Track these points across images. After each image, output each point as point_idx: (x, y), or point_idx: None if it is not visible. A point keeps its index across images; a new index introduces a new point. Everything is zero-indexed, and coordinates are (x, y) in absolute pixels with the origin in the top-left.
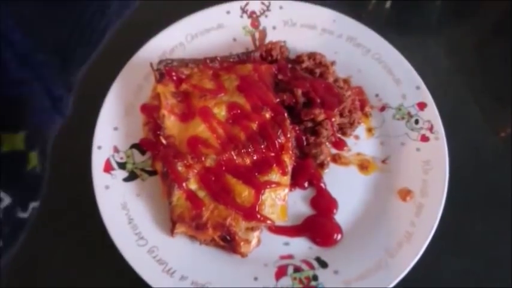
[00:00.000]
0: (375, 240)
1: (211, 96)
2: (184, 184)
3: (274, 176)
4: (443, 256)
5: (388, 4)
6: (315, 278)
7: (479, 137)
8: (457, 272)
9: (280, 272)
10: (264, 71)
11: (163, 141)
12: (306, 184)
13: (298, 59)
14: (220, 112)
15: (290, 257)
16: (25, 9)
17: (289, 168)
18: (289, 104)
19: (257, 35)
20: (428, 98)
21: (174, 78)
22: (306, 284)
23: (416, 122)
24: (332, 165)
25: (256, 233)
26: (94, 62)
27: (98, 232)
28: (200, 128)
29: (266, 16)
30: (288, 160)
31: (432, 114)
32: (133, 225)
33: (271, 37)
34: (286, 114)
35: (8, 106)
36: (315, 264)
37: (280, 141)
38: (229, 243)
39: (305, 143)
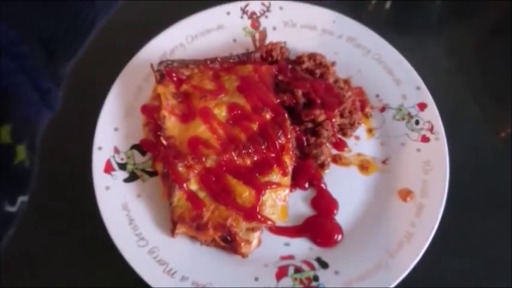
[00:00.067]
0: (376, 241)
1: (212, 97)
2: (184, 185)
3: (275, 176)
4: (444, 256)
5: (388, 4)
6: (316, 278)
7: (480, 137)
8: (457, 272)
9: (281, 273)
10: (265, 72)
11: (164, 142)
12: (306, 185)
13: (299, 60)
14: (221, 113)
15: (291, 257)
16: (11, 0)
17: (290, 169)
18: (290, 105)
19: (257, 35)
20: (428, 99)
21: (175, 79)
22: (307, 284)
23: (417, 122)
24: (332, 165)
25: (256, 234)
26: (95, 63)
27: (98, 233)
28: (201, 129)
29: (266, 17)
30: (289, 161)
31: (432, 114)
32: (134, 225)
33: (272, 38)
34: (286, 115)
35: None
36: (316, 264)
37: (280, 141)
38: (229, 243)
39: (305, 144)
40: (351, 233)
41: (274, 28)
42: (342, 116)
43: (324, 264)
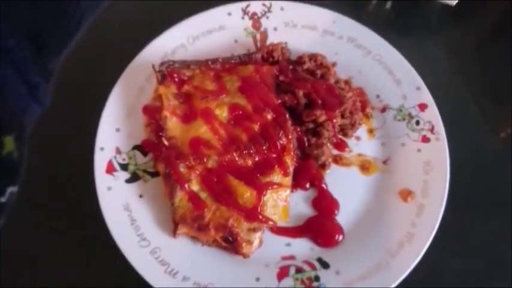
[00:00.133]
0: (376, 241)
1: (213, 98)
2: (186, 185)
3: (276, 177)
4: (444, 256)
5: (388, 5)
6: (317, 278)
7: (480, 138)
8: (457, 272)
9: (282, 273)
10: (266, 72)
11: (165, 143)
12: (307, 185)
13: (300, 60)
14: (222, 113)
15: (292, 257)
16: None
17: (291, 169)
18: (291, 105)
19: (258, 36)
20: (429, 99)
21: (176, 79)
22: (308, 284)
23: (417, 123)
24: (333, 166)
25: (258, 234)
26: (96, 64)
27: (99, 233)
28: (202, 129)
29: (267, 17)
30: (290, 161)
31: (433, 115)
32: (136, 226)
33: (273, 38)
34: (287, 116)
35: None
36: (317, 265)
37: (281, 142)
38: (231, 244)
39: (306, 144)
40: (352, 233)
41: (275, 29)
42: (342, 116)
43: (325, 265)
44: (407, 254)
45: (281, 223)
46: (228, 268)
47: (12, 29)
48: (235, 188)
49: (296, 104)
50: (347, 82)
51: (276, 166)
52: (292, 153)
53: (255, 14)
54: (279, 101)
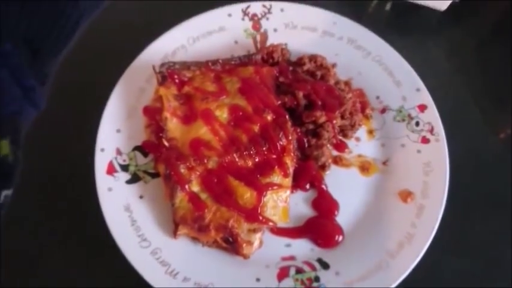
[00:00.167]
0: (376, 242)
1: (213, 99)
2: (186, 186)
3: (276, 177)
4: (444, 257)
5: (388, 6)
6: (317, 279)
7: (480, 139)
8: (457, 272)
9: (282, 273)
10: (266, 74)
11: (166, 144)
12: (307, 186)
13: (300, 62)
14: (222, 114)
15: (292, 258)
16: None
17: (291, 170)
18: (291, 106)
19: (258, 37)
20: (428, 100)
21: (176, 80)
22: (308, 285)
23: (417, 123)
24: (333, 167)
25: (258, 235)
26: (97, 65)
27: (100, 233)
28: (202, 130)
29: (267, 19)
30: (290, 162)
31: (432, 116)
32: (136, 227)
33: (273, 39)
34: (287, 117)
35: None
36: (317, 265)
37: (281, 143)
38: (231, 244)
39: (306, 145)
40: (352, 234)
41: (275, 30)
42: (342, 117)
43: (325, 265)
44: (407, 254)
45: (281, 224)
46: (229, 269)
47: (7, 34)
48: (236, 189)
49: (296, 105)
50: (347, 83)
51: (276, 167)
52: (292, 154)
53: (255, 15)
54: (279, 102)
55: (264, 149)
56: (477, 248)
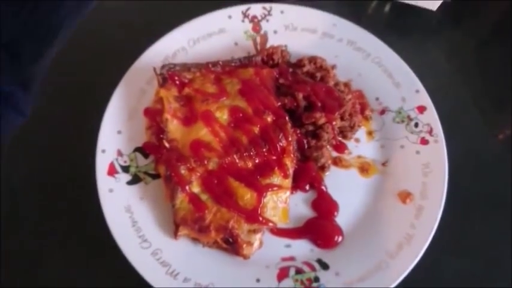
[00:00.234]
0: (376, 242)
1: (214, 100)
2: (187, 187)
3: (276, 179)
4: (444, 257)
5: (387, 7)
6: (317, 279)
7: (479, 139)
8: (457, 273)
9: (282, 274)
10: (266, 75)
11: (166, 145)
12: (307, 187)
13: (299, 63)
14: (223, 116)
15: (292, 258)
16: None
17: (291, 171)
18: (291, 108)
19: (258, 39)
20: (427, 101)
21: (177, 82)
22: (308, 285)
23: (416, 125)
24: (333, 168)
25: (258, 235)
26: (98, 66)
27: (100, 233)
28: (203, 132)
29: (267, 20)
30: (290, 163)
31: (431, 117)
32: (137, 228)
33: (273, 41)
34: (287, 118)
35: None
36: (316, 266)
37: (281, 144)
38: (231, 245)
39: (306, 146)
40: (351, 235)
41: (275, 32)
42: (342, 118)
43: (324, 266)
44: (406, 255)
45: (281, 224)
46: (229, 269)
47: None
48: (236, 190)
49: (296, 107)
50: (346, 85)
51: (276, 168)
52: (292, 155)
53: (255, 17)
54: (279, 104)
55: (264, 150)
56: (477, 248)
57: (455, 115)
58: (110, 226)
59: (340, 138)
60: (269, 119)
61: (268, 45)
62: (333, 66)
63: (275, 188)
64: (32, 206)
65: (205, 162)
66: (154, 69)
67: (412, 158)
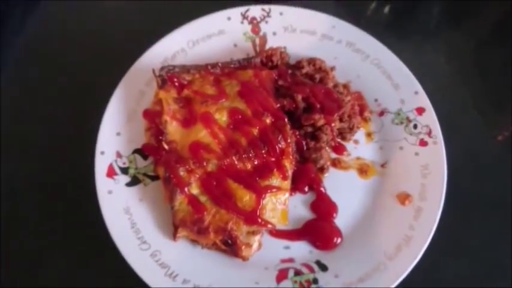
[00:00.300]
0: (375, 244)
1: (213, 102)
2: (186, 189)
3: (275, 180)
4: (443, 258)
5: (386, 9)
6: (315, 281)
7: (478, 141)
8: (457, 273)
9: (281, 275)
10: (265, 77)
11: (165, 147)
12: (306, 188)
13: (298, 65)
14: (222, 117)
15: (291, 260)
16: None
17: (290, 173)
18: (290, 109)
19: (257, 41)
20: (426, 103)
21: (176, 84)
22: (306, 286)
23: (415, 126)
24: (332, 169)
25: (257, 237)
26: (97, 68)
27: (99, 234)
28: (202, 134)
29: (266, 22)
30: (289, 165)
31: (430, 119)
32: (136, 229)
33: (272, 43)
34: (286, 120)
35: None
36: (315, 267)
37: (280, 146)
38: (230, 247)
39: (305, 148)
40: (350, 236)
41: (274, 33)
42: (341, 120)
43: (323, 267)
44: (405, 256)
45: (280, 226)
46: (228, 271)
47: None
48: (235, 192)
49: (295, 108)
50: (345, 86)
51: (275, 170)
52: (291, 156)
53: (254, 18)
54: (278, 105)
55: (263, 151)
56: (476, 248)
57: (454, 116)
58: (109, 228)
59: (339, 140)
60: (268, 120)
61: (267, 46)
62: (332, 68)
63: (274, 190)
64: (32, 206)
65: (204, 163)
66: (154, 71)
67: (411, 159)
